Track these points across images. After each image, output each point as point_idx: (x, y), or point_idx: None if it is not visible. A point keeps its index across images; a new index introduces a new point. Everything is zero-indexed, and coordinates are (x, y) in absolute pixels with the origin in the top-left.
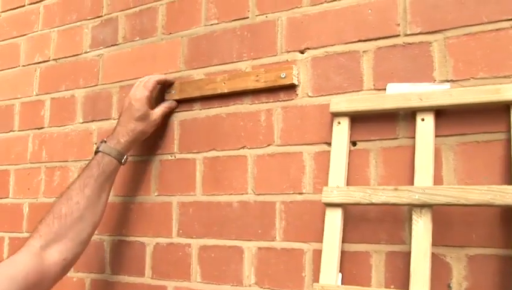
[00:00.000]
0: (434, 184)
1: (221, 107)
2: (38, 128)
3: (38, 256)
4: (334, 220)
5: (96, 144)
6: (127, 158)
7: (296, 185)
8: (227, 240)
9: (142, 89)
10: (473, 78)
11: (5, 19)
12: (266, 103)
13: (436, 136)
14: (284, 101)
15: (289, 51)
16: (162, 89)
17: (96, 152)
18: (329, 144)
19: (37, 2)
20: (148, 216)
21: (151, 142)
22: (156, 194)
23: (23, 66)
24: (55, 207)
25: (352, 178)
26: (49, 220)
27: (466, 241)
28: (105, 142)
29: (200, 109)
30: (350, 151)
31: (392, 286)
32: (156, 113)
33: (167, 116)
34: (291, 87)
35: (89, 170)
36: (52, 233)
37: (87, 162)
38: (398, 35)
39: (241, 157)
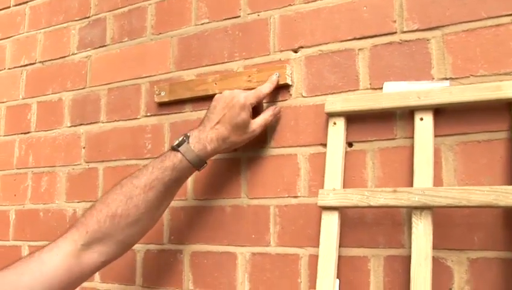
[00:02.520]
0: (434, 185)
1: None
2: (25, 133)
3: (76, 255)
4: (330, 224)
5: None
6: (206, 165)
7: (290, 188)
8: (219, 245)
9: (249, 94)
10: (472, 75)
11: None
12: None
13: (436, 135)
14: (277, 101)
15: (282, 50)
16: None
17: (175, 149)
18: (324, 145)
19: (22, 3)
20: None
21: (140, 145)
22: None
23: (9, 68)
24: (111, 202)
25: (349, 180)
26: (101, 216)
27: (467, 244)
28: (188, 140)
29: (191, 111)
30: (346, 152)
31: None
32: (256, 123)
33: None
34: (285, 88)
35: (160, 170)
36: (100, 232)
37: (75, 167)
38: (395, 33)
39: (234, 160)
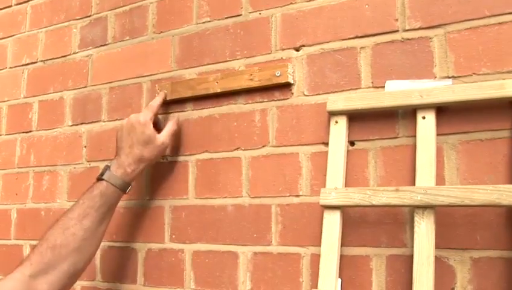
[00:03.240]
0: (436, 184)
1: (214, 107)
2: (26, 132)
3: (27, 284)
4: (332, 223)
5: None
6: (131, 187)
7: (292, 187)
8: (221, 244)
9: (145, 111)
10: (475, 73)
11: None
12: (260, 102)
13: (438, 134)
14: (279, 100)
15: (284, 49)
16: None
17: (99, 179)
18: (326, 144)
19: (24, 2)
20: (140, 221)
21: None
22: (147, 198)
23: (11, 67)
24: (49, 235)
25: (351, 179)
26: (42, 249)
27: (470, 244)
28: (109, 169)
29: (193, 110)
30: (348, 151)
31: None
32: (163, 136)
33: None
34: (287, 86)
35: (90, 199)
36: (43, 263)
37: (76, 166)
38: (397, 31)
39: (235, 159)
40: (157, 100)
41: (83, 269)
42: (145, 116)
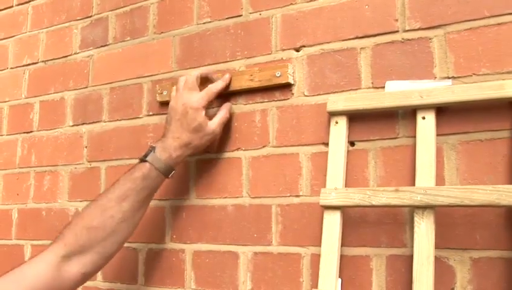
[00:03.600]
0: (436, 185)
1: (214, 107)
2: (27, 132)
3: (57, 267)
4: (332, 223)
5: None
6: (174, 173)
7: (292, 187)
8: (222, 245)
9: (201, 95)
10: (475, 74)
11: None
12: (261, 102)
13: (438, 134)
14: (279, 100)
15: (284, 49)
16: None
17: (143, 160)
18: (326, 144)
19: (25, 3)
20: (141, 221)
21: (142, 145)
22: None
23: (12, 68)
24: (86, 215)
25: (351, 179)
26: (77, 230)
27: (470, 244)
28: (154, 150)
29: None
30: (348, 151)
31: None
32: (214, 123)
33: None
34: (287, 87)
35: (131, 181)
36: (78, 244)
37: (77, 166)
38: (397, 31)
39: (236, 159)
40: (218, 86)
41: (116, 251)
42: (199, 101)
